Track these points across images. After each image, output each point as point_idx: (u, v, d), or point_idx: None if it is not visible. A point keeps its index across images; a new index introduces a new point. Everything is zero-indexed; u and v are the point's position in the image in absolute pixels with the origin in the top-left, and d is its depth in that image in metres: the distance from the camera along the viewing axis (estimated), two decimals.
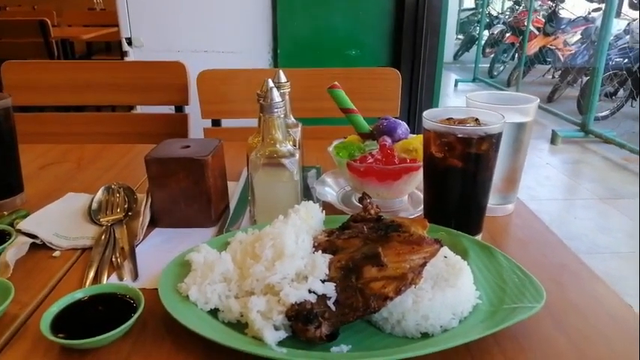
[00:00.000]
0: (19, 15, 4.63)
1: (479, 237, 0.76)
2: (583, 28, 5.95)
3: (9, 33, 3.48)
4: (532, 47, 6.30)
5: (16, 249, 0.70)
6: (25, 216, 0.80)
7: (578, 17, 6.11)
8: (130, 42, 2.15)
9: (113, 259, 0.70)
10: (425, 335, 0.54)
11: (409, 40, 2.18)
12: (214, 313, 0.58)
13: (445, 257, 0.61)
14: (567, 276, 0.69)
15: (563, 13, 6.17)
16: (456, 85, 7.39)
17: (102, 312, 0.57)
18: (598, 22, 5.12)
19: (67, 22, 4.66)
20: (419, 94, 2.22)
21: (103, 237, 0.74)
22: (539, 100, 0.84)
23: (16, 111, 0.91)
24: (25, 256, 0.71)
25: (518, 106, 0.82)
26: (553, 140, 4.57)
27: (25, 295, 0.63)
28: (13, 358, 0.53)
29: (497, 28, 7.81)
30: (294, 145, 0.84)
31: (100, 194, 0.86)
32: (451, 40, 8.98)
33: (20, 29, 3.44)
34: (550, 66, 6.53)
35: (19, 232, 0.74)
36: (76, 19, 4.80)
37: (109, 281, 0.66)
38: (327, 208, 0.83)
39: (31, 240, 0.73)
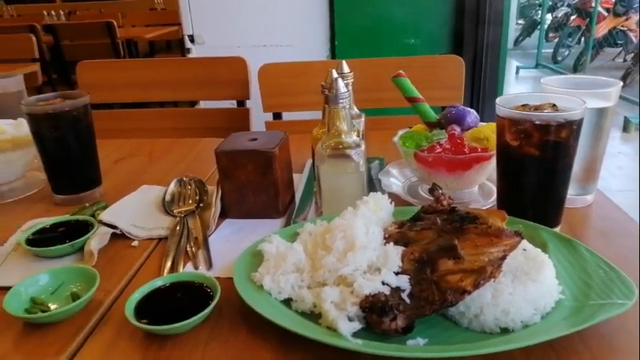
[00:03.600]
0: (88, 18, 4.88)
1: (557, 229, 0.72)
2: None
3: (79, 35, 3.68)
4: (600, 29, 5.94)
5: (98, 239, 0.74)
6: (104, 207, 0.84)
7: None
8: (192, 39, 2.21)
9: (188, 249, 0.73)
10: (504, 330, 0.52)
11: (471, 27, 2.10)
12: (287, 302, 0.58)
13: (524, 250, 0.59)
14: None
15: None
16: (517, 72, 7.08)
17: (181, 299, 0.59)
18: None
19: (130, 23, 4.87)
20: (482, 81, 2.15)
21: (177, 227, 0.77)
22: (622, 84, 0.78)
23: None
24: (107, 246, 0.75)
25: (599, 90, 0.77)
26: (625, 128, 4.29)
27: (108, 283, 0.66)
28: (101, 341, 0.56)
29: (562, 11, 7.41)
30: (359, 136, 0.83)
31: (172, 186, 0.89)
32: (511, 25, 8.61)
33: (89, 31, 3.63)
34: (621, 49, 6.13)
35: (101, 222, 0.78)
36: (139, 19, 5.00)
37: (185, 270, 0.68)
38: (393, 199, 0.82)
39: (112, 230, 0.77)
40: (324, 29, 2.18)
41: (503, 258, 0.53)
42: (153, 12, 5.45)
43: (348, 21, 2.16)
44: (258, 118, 1.52)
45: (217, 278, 0.61)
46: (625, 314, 0.53)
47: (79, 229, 0.75)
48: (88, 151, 0.93)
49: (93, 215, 0.81)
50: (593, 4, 5.97)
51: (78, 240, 0.72)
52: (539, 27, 7.52)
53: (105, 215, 0.80)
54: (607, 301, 0.53)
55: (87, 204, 0.86)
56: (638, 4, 5.70)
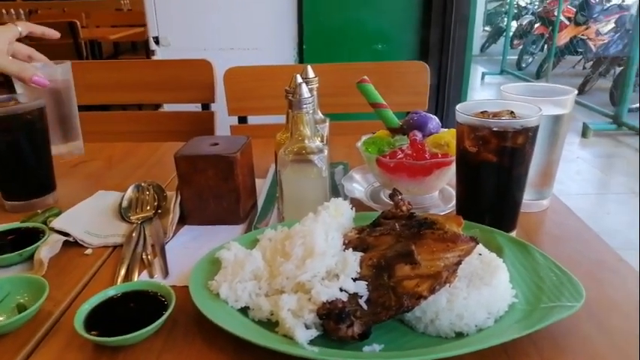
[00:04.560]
0: (50, 18, 4.73)
1: (513, 233, 0.73)
2: (617, 16, 5.76)
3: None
4: (562, 38, 6.13)
5: (49, 247, 0.71)
6: (57, 214, 0.81)
7: (612, 5, 5.92)
8: (157, 41, 2.17)
9: (144, 257, 0.71)
10: (459, 335, 0.53)
11: (437, 33, 2.14)
12: (244, 311, 0.57)
13: (480, 255, 0.60)
14: (606, 273, 0.66)
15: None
16: (482, 77, 7.26)
17: (134, 309, 0.57)
18: (633, 10, 4.95)
19: (95, 24, 4.75)
20: (447, 87, 2.18)
21: (133, 234, 0.75)
22: (576, 92, 0.81)
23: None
24: (58, 254, 0.72)
25: (555, 98, 0.79)
26: (584, 133, 4.44)
27: (58, 292, 0.64)
28: (48, 355, 0.54)
29: (526, 19, 7.64)
30: (322, 142, 0.83)
31: (130, 192, 0.87)
32: (478, 32, 8.82)
33: None
34: (581, 57, 6.35)
35: (52, 230, 0.76)
36: (104, 19, 4.88)
37: (140, 278, 0.66)
38: (356, 204, 0.82)
39: (64, 238, 0.74)
40: (292, 33, 2.18)
41: (459, 263, 0.54)
42: (119, 12, 5.33)
43: (316, 25, 2.16)
44: (224, 121, 1.51)
45: (173, 287, 0.59)
46: (576, 317, 0.54)
47: (29, 237, 0.73)
48: (42, 155, 0.89)
49: (45, 222, 0.78)
50: (555, 13, 6.16)
51: (27, 249, 0.69)
52: (504, 34, 7.72)
53: (57, 222, 0.77)
54: (557, 304, 0.54)
55: (39, 211, 0.83)
56: (597, 14, 5.91)
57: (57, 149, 1.05)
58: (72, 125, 1.08)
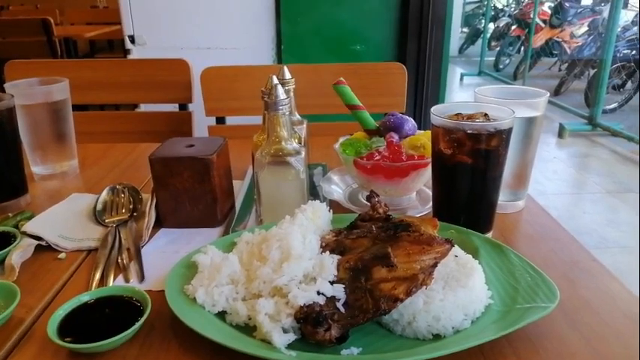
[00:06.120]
0: (22, 14, 4.63)
1: (489, 235, 0.74)
2: (590, 19, 5.88)
3: (12, 32, 3.48)
4: (538, 40, 6.24)
5: (21, 251, 0.69)
6: (29, 217, 0.79)
7: (585, 9, 6.05)
8: (132, 40, 2.14)
9: (119, 261, 0.70)
10: (436, 337, 0.54)
11: (414, 35, 2.16)
12: (222, 315, 0.57)
13: (456, 256, 0.60)
14: (580, 273, 0.68)
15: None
16: (461, 79, 7.34)
17: (109, 315, 0.56)
18: (605, 14, 5.07)
19: (69, 21, 4.66)
20: (425, 88, 2.20)
21: (108, 238, 0.74)
22: (549, 95, 0.82)
23: None
24: (31, 259, 0.71)
25: (528, 100, 0.80)
26: (560, 134, 4.53)
27: (31, 298, 0.62)
28: None
29: (503, 21, 7.75)
30: (300, 143, 0.83)
31: (104, 195, 0.85)
32: (456, 33, 8.92)
33: (23, 28, 3.43)
34: (557, 59, 6.47)
35: (24, 234, 0.74)
36: (79, 17, 4.79)
37: (116, 283, 0.65)
38: (334, 206, 0.82)
39: (37, 242, 0.73)
40: (270, 33, 2.17)
41: (435, 265, 0.54)
42: (94, 10, 5.24)
43: (294, 25, 2.16)
44: (202, 122, 1.49)
45: (149, 291, 0.58)
46: (551, 317, 0.55)
47: (0, 242, 0.71)
48: (12, 156, 0.87)
49: (16, 226, 0.76)
50: (531, 16, 6.27)
51: None
52: (482, 36, 7.82)
53: (29, 226, 0.75)
54: (532, 305, 0.55)
55: (10, 214, 0.80)
56: (571, 17, 6.03)
57: (52, 168, 1.01)
58: (68, 144, 1.02)
